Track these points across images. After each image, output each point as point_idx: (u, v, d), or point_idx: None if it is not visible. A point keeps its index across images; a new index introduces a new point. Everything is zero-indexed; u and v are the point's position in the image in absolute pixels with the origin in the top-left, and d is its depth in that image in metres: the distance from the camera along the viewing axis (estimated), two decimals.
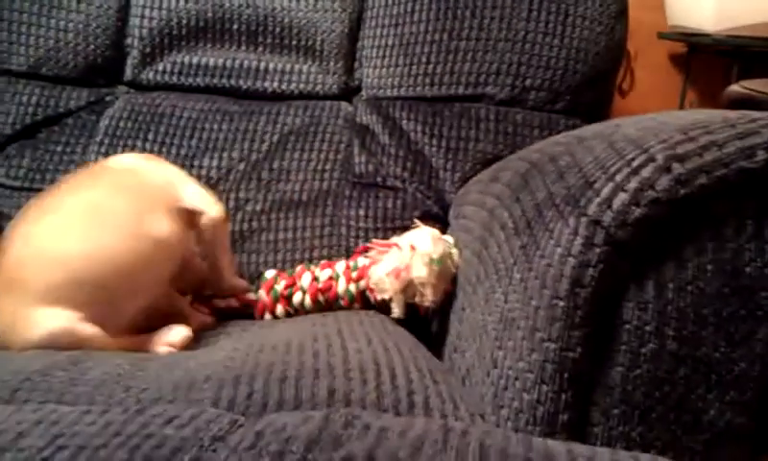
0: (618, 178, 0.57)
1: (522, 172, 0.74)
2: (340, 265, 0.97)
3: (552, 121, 1.12)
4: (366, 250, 0.98)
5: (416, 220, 0.98)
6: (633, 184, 0.56)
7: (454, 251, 0.88)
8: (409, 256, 0.87)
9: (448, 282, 0.86)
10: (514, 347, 0.60)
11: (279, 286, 0.96)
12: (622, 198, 0.56)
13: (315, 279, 0.96)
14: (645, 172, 0.56)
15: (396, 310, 0.88)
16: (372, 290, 0.92)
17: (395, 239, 0.93)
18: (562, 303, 0.57)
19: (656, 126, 0.63)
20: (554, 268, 0.57)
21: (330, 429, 0.48)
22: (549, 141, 0.80)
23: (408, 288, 0.87)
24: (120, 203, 0.80)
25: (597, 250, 0.56)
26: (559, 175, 0.64)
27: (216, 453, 0.47)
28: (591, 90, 1.14)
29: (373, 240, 0.98)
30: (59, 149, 1.13)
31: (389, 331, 0.80)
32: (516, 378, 0.59)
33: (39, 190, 1.08)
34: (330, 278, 0.96)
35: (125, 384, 0.62)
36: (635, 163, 0.57)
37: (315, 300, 0.95)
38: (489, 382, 0.64)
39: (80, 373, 0.64)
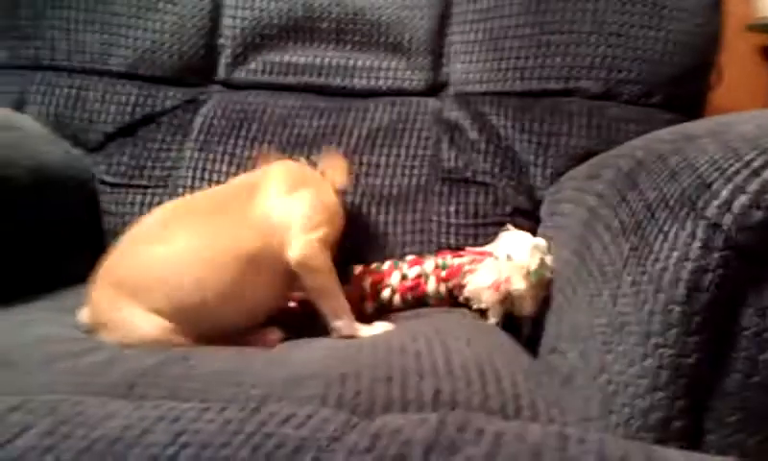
0: (738, 179, 0.55)
1: (627, 170, 0.72)
2: (429, 263, 0.97)
3: (647, 115, 1.09)
4: (457, 252, 0.97)
5: (508, 224, 0.97)
6: (753, 186, 0.54)
7: (549, 257, 0.86)
8: (507, 268, 0.86)
9: (545, 290, 0.85)
10: (625, 352, 0.59)
11: (367, 282, 0.97)
12: (742, 200, 0.54)
13: (404, 276, 0.97)
14: (766, 174, 0.54)
15: (493, 319, 0.87)
16: (461, 291, 0.92)
17: (489, 247, 0.92)
18: (678, 308, 0.55)
19: None
20: (670, 272, 0.56)
21: (446, 433, 0.48)
22: (652, 138, 0.78)
23: (506, 300, 0.86)
24: (234, 236, 0.82)
25: (716, 254, 0.54)
26: (671, 175, 0.62)
27: (334, 454, 0.47)
28: (688, 84, 1.10)
29: (467, 248, 0.97)
30: (155, 146, 1.16)
31: (486, 331, 0.80)
32: (628, 384, 0.58)
33: (138, 186, 1.13)
34: (419, 275, 0.96)
35: (235, 380, 0.64)
36: (754, 164, 0.55)
37: (404, 298, 0.96)
38: (596, 387, 0.63)
39: (191, 368, 0.66)
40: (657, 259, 0.58)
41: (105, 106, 1.17)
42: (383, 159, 1.13)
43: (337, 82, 1.18)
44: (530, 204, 1.08)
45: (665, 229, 0.58)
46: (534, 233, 1.03)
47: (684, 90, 1.10)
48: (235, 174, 1.09)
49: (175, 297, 0.76)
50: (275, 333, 0.82)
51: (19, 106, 1.17)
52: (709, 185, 0.56)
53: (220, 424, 0.51)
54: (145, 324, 0.76)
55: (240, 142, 1.13)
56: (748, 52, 1.71)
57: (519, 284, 0.84)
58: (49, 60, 1.18)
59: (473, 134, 1.12)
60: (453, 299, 0.94)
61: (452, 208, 1.09)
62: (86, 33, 1.18)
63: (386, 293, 0.96)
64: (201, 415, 0.53)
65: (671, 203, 0.59)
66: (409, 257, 1.01)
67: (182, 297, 0.76)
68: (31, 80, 1.18)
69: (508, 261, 0.86)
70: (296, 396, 0.60)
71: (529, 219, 1.08)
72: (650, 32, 1.09)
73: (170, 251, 0.79)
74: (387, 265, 1.00)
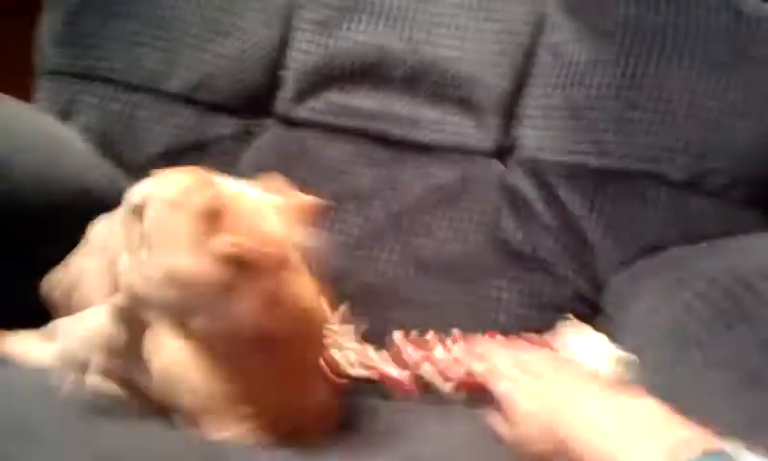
0: None
1: (729, 288, 0.63)
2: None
3: (729, 212, 1.00)
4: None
5: (569, 314, 0.88)
6: None
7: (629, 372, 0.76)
8: None
9: None
10: None
11: (409, 354, 0.89)
12: None
13: (449, 352, 0.88)
14: None
15: None
16: None
17: (550, 339, 0.84)
18: None
19: None
20: None
21: None
22: (758, 247, 0.69)
23: None
24: None
25: None
26: None
27: None
28: None
29: (523, 335, 0.88)
30: None
31: None
32: None
33: None
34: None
35: None
36: None
37: (446, 378, 0.87)
38: None
39: None
40: None
41: (155, 126, 1.12)
42: (437, 220, 1.06)
43: (399, 131, 1.11)
44: (592, 290, 1.00)
45: None
46: (593, 323, 0.95)
47: None
48: None
49: None
50: None
51: (66, 115, 1.13)
52: None
53: None
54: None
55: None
56: None
57: None
58: (104, 73, 1.14)
59: (538, 206, 1.04)
60: None
61: (505, 283, 1.02)
62: (147, 49, 1.13)
63: (427, 367, 0.88)
64: None
65: None
66: (456, 331, 0.92)
67: None
68: (82, 90, 1.14)
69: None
70: None
71: (589, 306, 0.99)
72: (744, 121, 1.00)
73: None
74: (431, 336, 0.92)
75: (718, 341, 0.60)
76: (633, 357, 0.77)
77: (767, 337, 0.54)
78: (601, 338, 0.80)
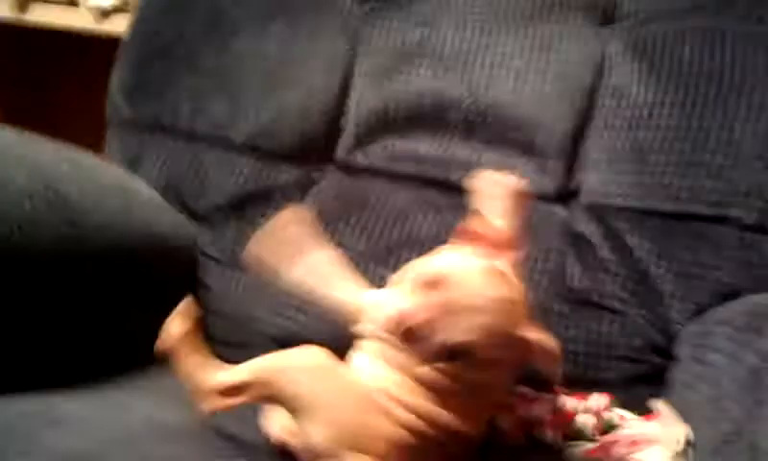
0: None
1: None
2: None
3: None
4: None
5: (657, 405, 0.84)
6: None
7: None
8: None
9: None
10: None
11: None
12: None
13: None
14: None
15: None
16: None
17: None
18: None
19: None
20: None
21: None
22: None
23: None
24: None
25: None
26: None
27: None
28: None
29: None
30: (263, 223, 1.11)
31: None
32: None
33: (240, 263, 1.07)
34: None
35: None
36: None
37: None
38: None
39: None
40: None
41: (219, 176, 1.14)
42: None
43: (459, 177, 1.10)
44: (664, 339, 0.96)
45: None
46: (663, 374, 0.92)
47: None
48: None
49: None
50: None
51: (134, 164, 1.16)
52: None
53: None
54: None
55: (348, 230, 1.07)
56: None
57: None
58: (170, 123, 1.17)
59: (604, 252, 1.01)
60: None
61: (573, 333, 0.98)
62: (211, 100, 1.16)
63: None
64: None
65: None
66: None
67: None
68: (149, 140, 1.17)
69: None
70: None
71: (661, 355, 0.96)
72: None
73: None
74: None
75: None
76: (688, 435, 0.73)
77: None
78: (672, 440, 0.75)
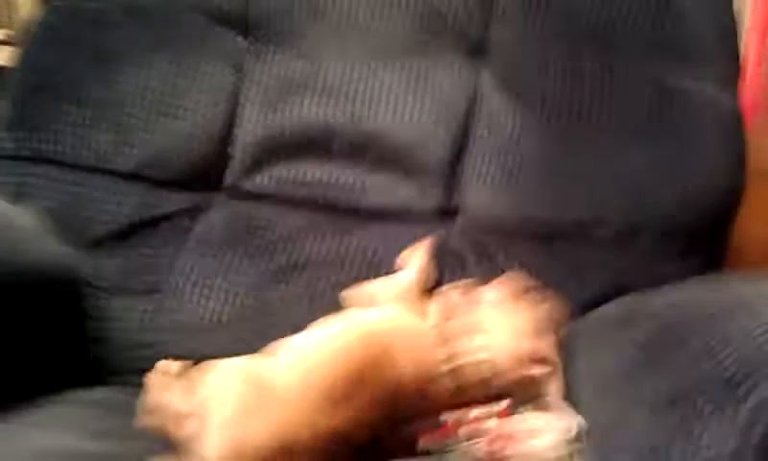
0: None
1: (659, 334, 0.67)
2: None
3: (663, 267, 1.05)
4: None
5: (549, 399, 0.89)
6: None
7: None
8: None
9: None
10: None
11: None
12: None
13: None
14: None
15: None
16: None
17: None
18: None
19: None
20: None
21: None
22: (683, 299, 0.74)
23: None
24: None
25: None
26: (709, 354, 0.57)
27: None
28: (709, 233, 1.07)
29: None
30: (150, 252, 1.12)
31: None
32: None
33: (126, 293, 1.08)
34: None
35: None
36: None
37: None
38: None
39: None
40: (709, 446, 0.52)
41: (105, 206, 1.14)
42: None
43: (345, 200, 1.15)
44: None
45: (709, 413, 0.53)
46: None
47: (705, 240, 1.07)
48: (228, 293, 1.06)
49: None
50: None
51: (17, 197, 1.14)
52: (752, 373, 0.51)
53: None
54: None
55: (237, 258, 1.09)
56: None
57: None
58: (53, 154, 1.16)
59: (477, 271, 1.08)
60: None
61: None
62: (95, 130, 1.16)
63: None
64: None
65: (717, 384, 0.54)
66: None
67: None
68: (32, 172, 1.15)
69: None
70: None
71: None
72: (669, 184, 1.07)
73: None
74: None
75: (660, 377, 0.64)
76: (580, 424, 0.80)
77: (695, 377, 0.57)
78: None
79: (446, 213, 1.15)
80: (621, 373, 0.76)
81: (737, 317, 0.58)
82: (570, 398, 0.86)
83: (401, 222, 1.14)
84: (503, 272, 1.05)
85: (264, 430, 0.73)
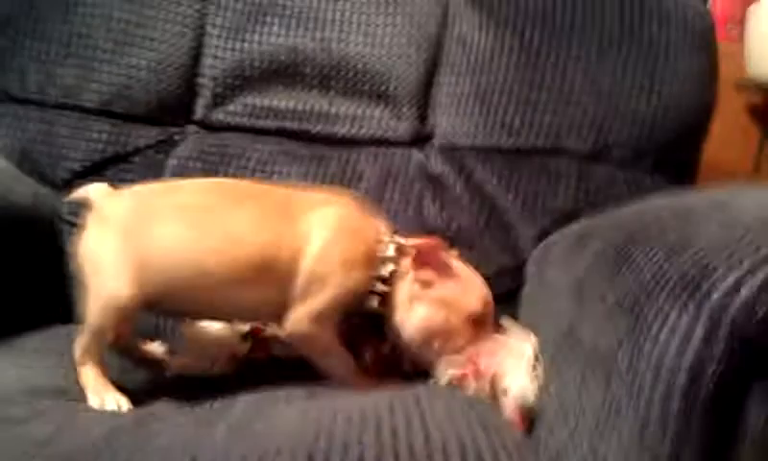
0: (746, 265, 0.51)
1: (619, 243, 0.68)
2: None
3: (637, 179, 1.07)
4: None
5: (504, 323, 0.90)
6: (761, 275, 0.50)
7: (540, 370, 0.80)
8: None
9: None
10: (619, 441, 0.55)
11: None
12: (750, 290, 0.50)
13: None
14: None
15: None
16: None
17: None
18: (678, 398, 0.51)
19: None
20: (670, 358, 0.51)
21: None
22: (645, 209, 0.75)
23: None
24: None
25: (721, 344, 0.50)
26: (668, 253, 0.58)
27: None
28: (680, 149, 1.08)
29: None
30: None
31: (470, 404, 0.75)
32: None
33: None
34: None
35: (191, 453, 0.58)
36: (763, 252, 0.51)
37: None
38: None
39: (144, 438, 0.61)
40: (655, 343, 0.53)
41: (75, 142, 1.12)
42: None
43: (318, 128, 1.14)
44: (515, 263, 1.05)
45: (665, 310, 0.54)
46: (518, 294, 1.00)
47: (676, 155, 1.08)
48: None
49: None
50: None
51: None
52: (714, 270, 0.52)
53: None
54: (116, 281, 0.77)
55: None
56: (737, 110, 1.71)
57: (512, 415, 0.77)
58: (19, 93, 1.13)
59: (457, 190, 1.09)
60: None
61: None
62: (61, 66, 1.13)
63: None
64: None
65: (671, 284, 0.55)
66: None
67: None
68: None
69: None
70: None
71: (514, 279, 1.04)
72: (642, 94, 1.07)
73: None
74: None
75: (612, 286, 0.65)
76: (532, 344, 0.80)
77: (648, 280, 0.58)
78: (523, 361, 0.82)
79: (422, 137, 1.15)
80: (576, 283, 0.76)
81: (700, 221, 0.59)
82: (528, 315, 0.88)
83: (377, 147, 1.14)
84: (483, 190, 1.06)
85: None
